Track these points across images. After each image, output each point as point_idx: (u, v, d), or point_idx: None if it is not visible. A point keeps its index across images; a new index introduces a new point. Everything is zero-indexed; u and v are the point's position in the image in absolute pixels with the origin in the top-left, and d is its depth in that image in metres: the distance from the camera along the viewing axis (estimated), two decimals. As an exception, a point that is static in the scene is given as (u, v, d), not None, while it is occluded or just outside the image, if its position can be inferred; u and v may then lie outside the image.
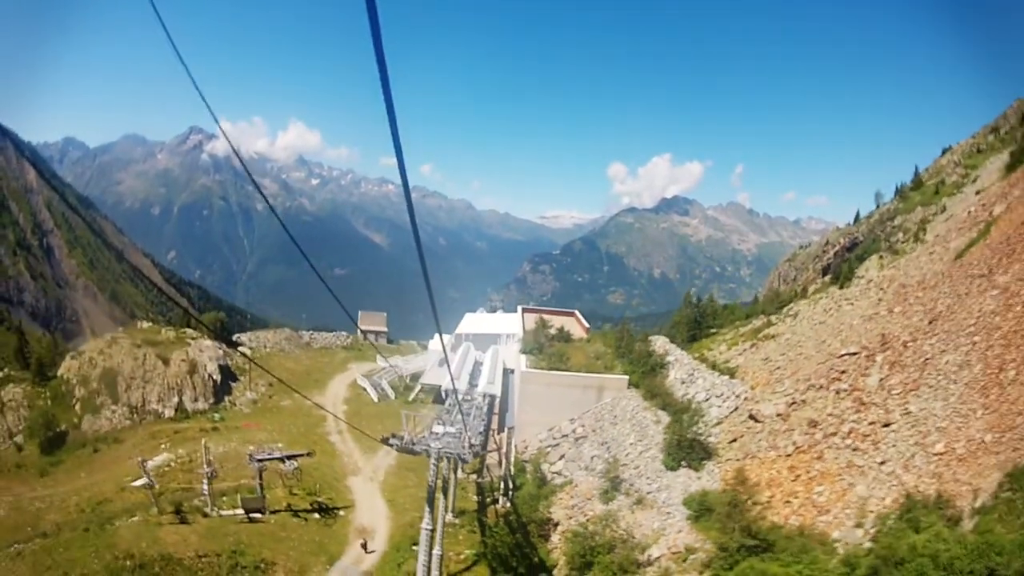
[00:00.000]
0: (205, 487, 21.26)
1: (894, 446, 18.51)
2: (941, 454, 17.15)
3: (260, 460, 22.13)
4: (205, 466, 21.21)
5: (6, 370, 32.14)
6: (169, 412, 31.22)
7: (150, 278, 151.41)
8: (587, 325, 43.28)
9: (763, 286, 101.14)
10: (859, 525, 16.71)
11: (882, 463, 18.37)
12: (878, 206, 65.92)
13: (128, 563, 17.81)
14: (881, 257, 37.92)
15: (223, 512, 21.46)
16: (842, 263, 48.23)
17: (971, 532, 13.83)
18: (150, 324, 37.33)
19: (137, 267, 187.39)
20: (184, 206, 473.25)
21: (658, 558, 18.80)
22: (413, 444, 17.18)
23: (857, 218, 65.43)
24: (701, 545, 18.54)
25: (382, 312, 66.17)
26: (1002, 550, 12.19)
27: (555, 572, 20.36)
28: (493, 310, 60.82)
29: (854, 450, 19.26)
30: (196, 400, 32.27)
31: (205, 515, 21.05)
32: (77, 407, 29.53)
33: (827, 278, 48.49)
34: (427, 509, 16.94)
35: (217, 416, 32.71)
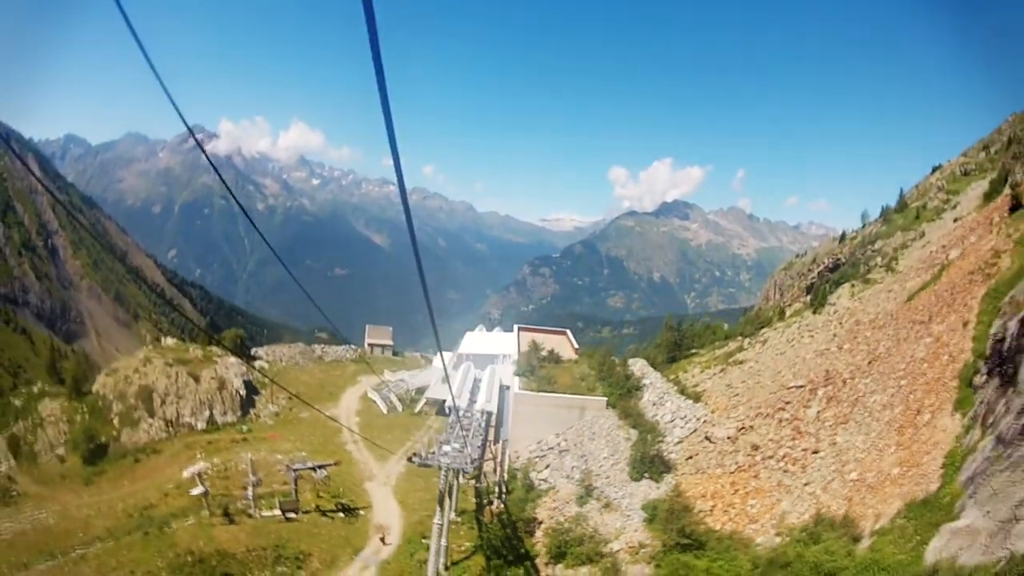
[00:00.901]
0: (250, 492, 24.21)
1: (818, 471, 21.33)
2: (855, 481, 19.71)
3: (296, 469, 25.30)
4: (251, 475, 24.24)
5: (39, 384, 34.70)
6: (201, 425, 33.82)
7: (164, 291, 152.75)
8: (576, 345, 46.38)
9: (761, 292, 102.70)
10: (778, 534, 19.60)
11: (806, 484, 21.20)
12: (864, 226, 67.64)
13: (189, 559, 20.54)
14: (853, 286, 39.99)
15: (264, 513, 24.35)
16: (823, 285, 50.65)
17: (866, 550, 16.29)
18: (177, 341, 40.11)
19: (141, 274, 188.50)
20: (185, 205, 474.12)
21: (617, 551, 22.46)
22: (428, 460, 20.45)
23: (843, 238, 65.88)
24: (650, 542, 22.28)
25: (387, 327, 69.45)
26: (886, 567, 14.57)
27: (537, 561, 23.64)
28: (492, 325, 63.91)
29: (785, 472, 22.20)
30: (225, 413, 35.01)
31: (249, 516, 23.95)
32: (115, 421, 31.81)
33: (807, 298, 50.79)
34: (438, 509, 20.17)
35: (245, 428, 35.23)
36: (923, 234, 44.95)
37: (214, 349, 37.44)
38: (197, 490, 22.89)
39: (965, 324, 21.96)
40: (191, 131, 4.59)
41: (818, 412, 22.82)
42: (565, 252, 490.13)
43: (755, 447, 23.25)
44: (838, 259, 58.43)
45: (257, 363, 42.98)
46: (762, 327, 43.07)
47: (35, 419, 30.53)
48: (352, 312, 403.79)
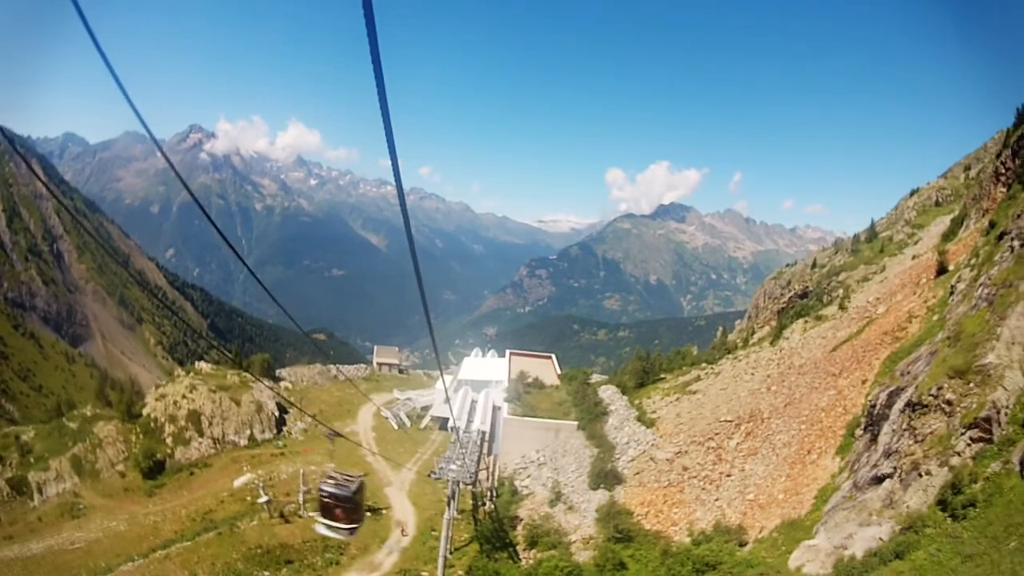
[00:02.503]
0: (301, 497, 29.94)
1: (727, 490, 26.85)
2: (751, 501, 25.12)
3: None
4: (302, 485, 29.96)
5: (90, 408, 39.66)
6: (243, 441, 38.76)
7: (166, 294, 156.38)
8: (559, 371, 52.51)
9: (751, 300, 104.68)
10: (688, 536, 25.49)
11: (716, 500, 26.75)
12: (836, 251, 71.55)
13: (258, 551, 25.71)
14: (806, 322, 42.83)
15: (310, 514, 29.25)
16: (790, 309, 54.87)
17: (746, 552, 21.81)
18: (213, 367, 45.32)
19: (145, 277, 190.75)
20: (183, 205, 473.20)
21: (574, 541, 28.80)
22: (440, 475, 26.41)
23: (814, 265, 66.23)
24: (597, 536, 28.59)
25: (394, 347, 75.15)
26: (753, 566, 19.77)
27: (517, 547, 29.78)
28: (487, 346, 69.52)
29: (703, 489, 27.87)
30: (263, 431, 40.24)
31: (300, 517, 29.43)
32: (169, 440, 36.31)
33: (773, 324, 55.09)
34: (446, 509, 25.89)
35: (280, 443, 40.15)
36: (884, 268, 47.48)
37: (248, 375, 43.03)
38: (263, 499, 28.48)
39: (864, 382, 26.23)
40: (154, 138, 4.09)
41: (737, 444, 28.36)
42: (562, 254, 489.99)
43: (685, 468, 29.07)
44: (807, 287, 58.10)
45: (282, 384, 48.48)
46: (729, 352, 48.06)
47: (93, 440, 34.62)
48: (349, 313, 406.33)
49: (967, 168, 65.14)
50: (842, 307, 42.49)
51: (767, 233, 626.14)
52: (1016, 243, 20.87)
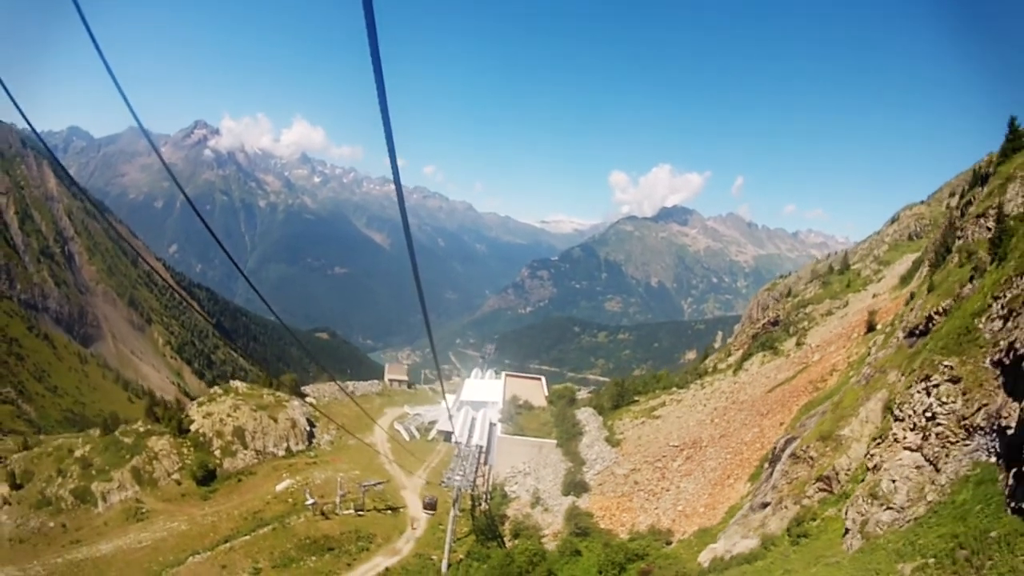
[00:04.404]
0: (338, 499, 35.90)
1: (664, 501, 33.39)
2: (680, 511, 31.59)
3: (365, 486, 37.30)
4: (339, 489, 36.14)
5: (139, 424, 45.01)
6: (281, 452, 44.69)
7: (174, 294, 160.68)
8: (547, 393, 59.00)
9: (745, 310, 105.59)
10: (628, 534, 31.87)
11: (655, 508, 33.29)
12: (812, 279, 76.12)
13: (307, 541, 31.77)
14: (764, 356, 47.19)
15: (345, 512, 35.81)
16: (760, 338, 59.49)
17: (669, 549, 27.95)
18: (249, 386, 50.44)
19: (154, 278, 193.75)
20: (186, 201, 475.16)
21: (546, 535, 35.50)
22: (448, 483, 32.40)
23: (789, 293, 70.18)
24: (564, 531, 35.30)
25: (404, 364, 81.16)
26: (669, 558, 25.87)
27: (504, 538, 36.13)
28: (487, 364, 75.40)
29: (647, 499, 34.41)
30: (297, 444, 46.32)
31: (337, 514, 35.45)
32: (217, 452, 41.74)
33: (748, 347, 59.60)
34: (452, 508, 31.85)
35: (312, 454, 45.84)
36: (847, 303, 51.24)
37: (281, 395, 49.39)
38: (309, 501, 34.91)
39: (781, 424, 31.17)
40: (149, 137, 4.66)
41: (678, 465, 34.69)
42: (564, 255, 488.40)
43: (636, 482, 35.94)
44: (778, 316, 61.58)
45: (307, 399, 54.59)
46: (700, 376, 53.04)
47: (149, 453, 39.26)
48: (351, 311, 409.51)
49: (952, 194, 65.61)
50: (799, 343, 46.49)
51: (769, 237, 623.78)
52: (902, 333, 24.13)
